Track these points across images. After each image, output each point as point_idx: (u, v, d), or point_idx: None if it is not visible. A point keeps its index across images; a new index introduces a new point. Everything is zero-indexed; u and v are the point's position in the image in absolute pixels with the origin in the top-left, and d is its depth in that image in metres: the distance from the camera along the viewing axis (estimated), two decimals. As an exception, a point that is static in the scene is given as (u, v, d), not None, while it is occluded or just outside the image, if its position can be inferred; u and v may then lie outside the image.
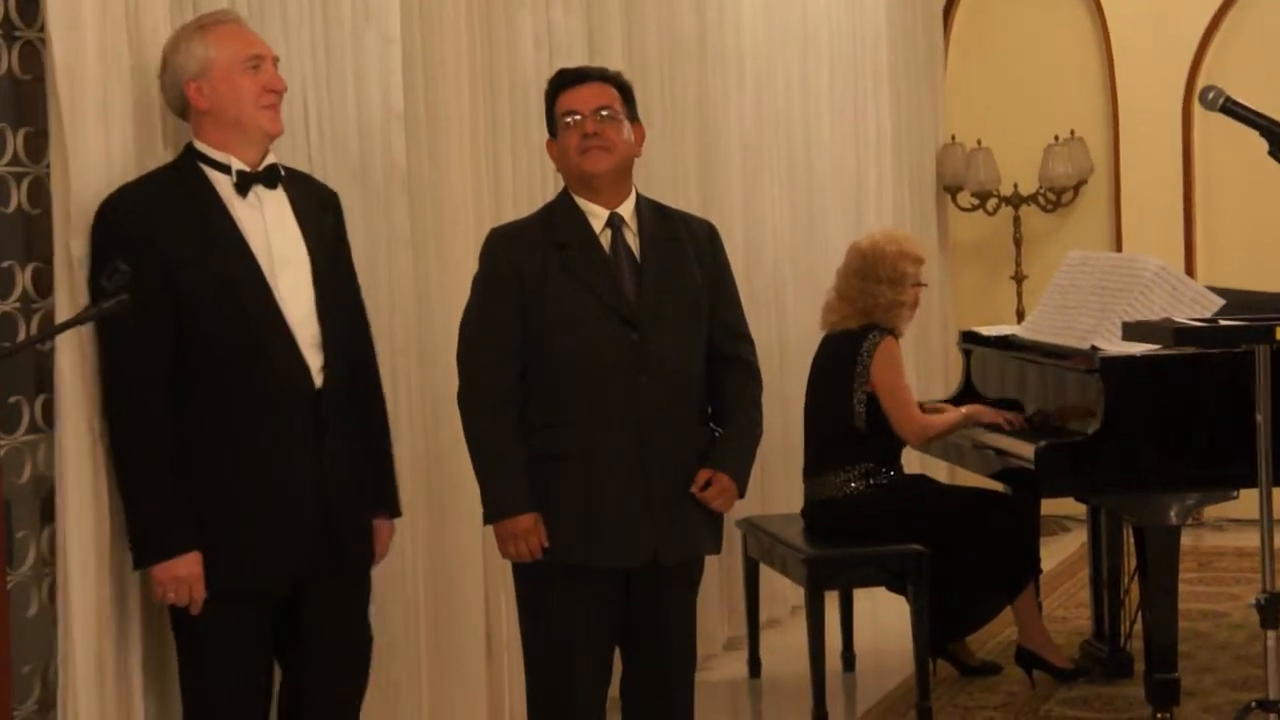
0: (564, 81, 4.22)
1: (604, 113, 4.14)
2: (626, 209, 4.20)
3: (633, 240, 4.18)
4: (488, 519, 4.15)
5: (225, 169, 3.68)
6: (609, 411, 4.08)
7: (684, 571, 4.25)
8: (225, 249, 3.62)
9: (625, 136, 4.17)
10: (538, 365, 4.12)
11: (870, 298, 5.89)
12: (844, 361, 5.83)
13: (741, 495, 4.26)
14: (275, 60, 3.79)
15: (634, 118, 4.24)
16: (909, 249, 5.98)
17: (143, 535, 3.57)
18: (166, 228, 3.57)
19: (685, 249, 4.23)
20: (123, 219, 3.56)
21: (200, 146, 3.70)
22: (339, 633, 3.83)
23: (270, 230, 3.70)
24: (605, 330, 4.09)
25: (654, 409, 4.10)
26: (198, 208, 3.63)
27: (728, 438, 4.25)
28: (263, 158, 3.74)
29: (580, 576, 4.12)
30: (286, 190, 3.76)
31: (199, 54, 3.67)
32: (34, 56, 3.73)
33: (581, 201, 4.19)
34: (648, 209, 4.25)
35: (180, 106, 3.74)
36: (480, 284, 4.22)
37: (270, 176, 3.73)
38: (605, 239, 4.17)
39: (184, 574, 3.56)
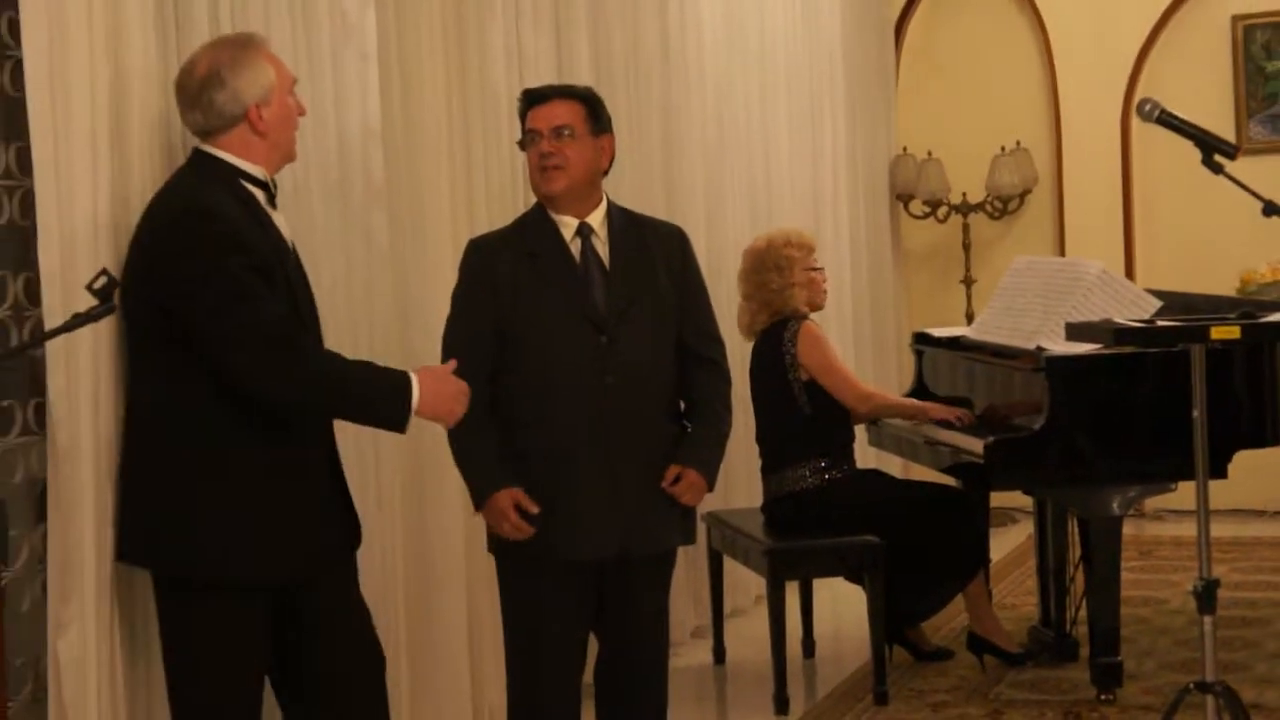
0: (530, 100, 4.24)
1: (564, 132, 4.13)
2: (596, 218, 4.20)
3: (602, 248, 4.18)
4: (476, 507, 4.17)
5: (260, 183, 3.61)
6: (577, 411, 4.08)
7: (654, 562, 4.25)
8: (283, 256, 3.60)
9: (585, 153, 4.15)
10: (512, 368, 4.12)
11: (763, 287, 5.95)
12: (774, 359, 5.87)
13: (710, 489, 4.26)
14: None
15: (601, 131, 4.21)
16: (795, 239, 6.03)
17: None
18: (245, 228, 3.50)
19: (654, 255, 4.22)
20: (210, 218, 3.45)
21: (232, 159, 3.58)
22: (350, 625, 3.76)
23: (292, 240, 3.71)
24: (575, 334, 4.09)
25: (621, 409, 4.09)
26: (256, 216, 3.57)
27: (697, 435, 4.24)
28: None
29: (555, 567, 4.11)
30: None
31: (263, 78, 3.59)
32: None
33: (552, 212, 4.19)
34: (619, 217, 4.24)
35: (223, 123, 3.59)
36: (458, 294, 4.24)
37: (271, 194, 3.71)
38: (575, 247, 4.16)
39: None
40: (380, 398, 3.53)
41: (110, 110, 3.67)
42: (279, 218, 3.67)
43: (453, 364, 3.73)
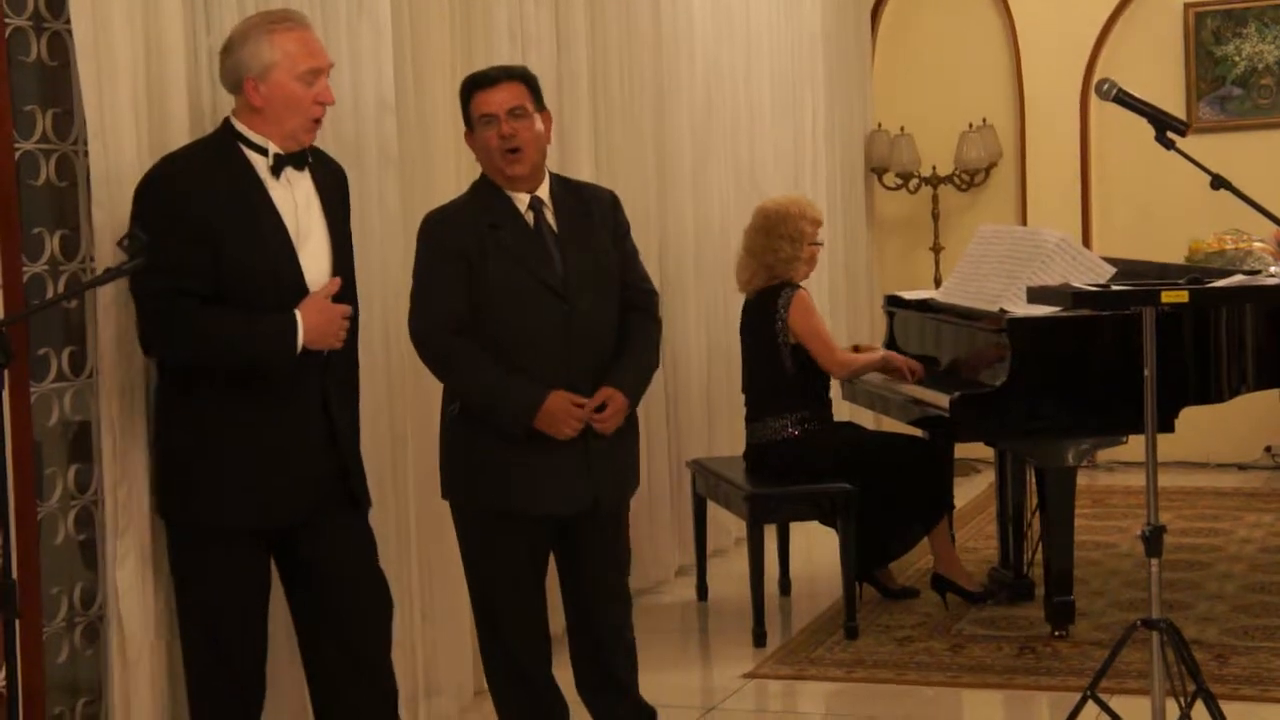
0: (476, 84, 4.09)
1: (518, 112, 4.03)
2: (544, 191, 4.11)
3: (551, 218, 4.10)
4: (525, 426, 3.97)
5: (262, 150, 3.56)
6: (544, 374, 3.99)
7: (616, 512, 4.24)
8: (263, 223, 3.52)
9: (535, 130, 4.05)
10: (479, 336, 4.02)
11: (772, 253, 5.90)
12: (767, 320, 5.85)
13: (633, 409, 4.15)
14: (329, 69, 3.64)
15: (541, 107, 4.10)
16: (809, 212, 5.99)
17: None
18: (210, 198, 3.46)
19: (594, 221, 4.16)
20: (168, 188, 3.45)
21: (239, 126, 3.58)
22: (359, 572, 3.75)
23: (299, 209, 3.60)
24: (539, 301, 4.01)
25: (582, 368, 4.03)
26: (238, 182, 3.52)
27: (624, 362, 4.13)
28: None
29: (516, 519, 4.06)
30: (312, 171, 3.66)
31: (264, 56, 3.53)
32: (60, 45, 3.68)
33: (506, 189, 4.09)
34: (560, 188, 4.16)
35: (230, 87, 3.61)
36: (426, 259, 4.09)
37: (300, 159, 3.62)
38: (529, 219, 4.09)
39: None
40: (263, 346, 3.50)
41: (148, 79, 3.68)
42: (288, 183, 3.59)
43: (333, 286, 3.59)
